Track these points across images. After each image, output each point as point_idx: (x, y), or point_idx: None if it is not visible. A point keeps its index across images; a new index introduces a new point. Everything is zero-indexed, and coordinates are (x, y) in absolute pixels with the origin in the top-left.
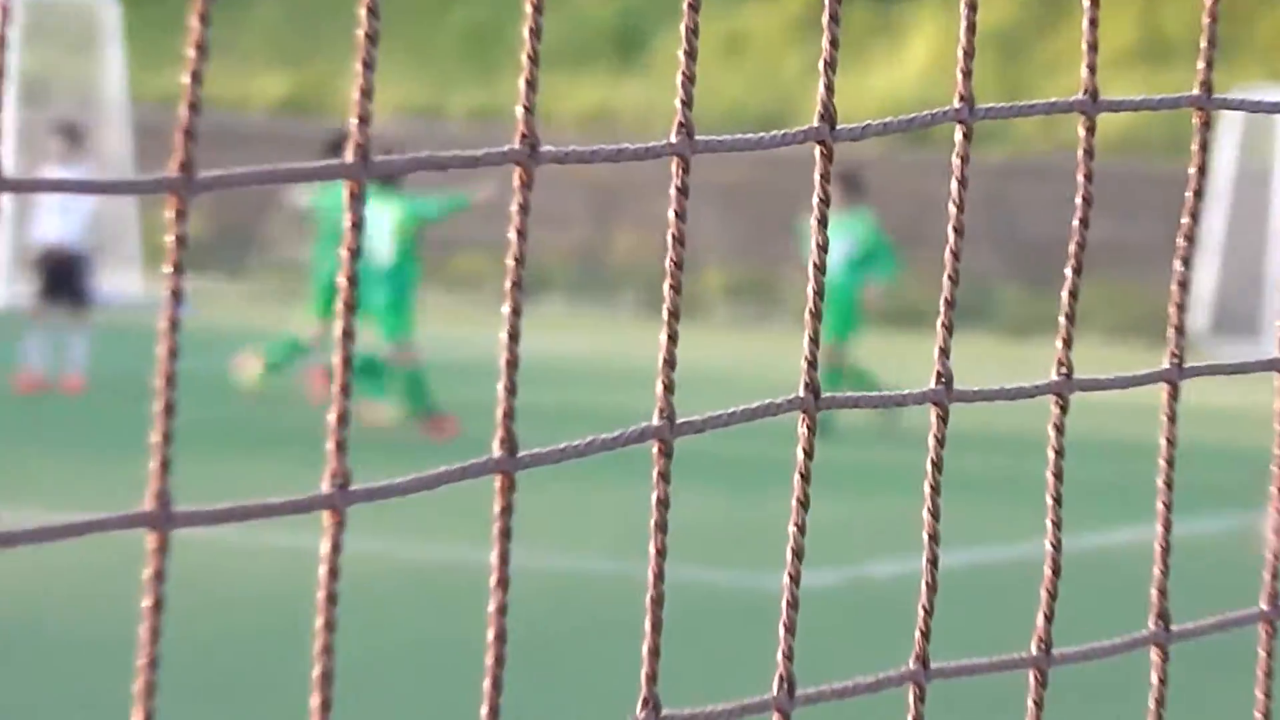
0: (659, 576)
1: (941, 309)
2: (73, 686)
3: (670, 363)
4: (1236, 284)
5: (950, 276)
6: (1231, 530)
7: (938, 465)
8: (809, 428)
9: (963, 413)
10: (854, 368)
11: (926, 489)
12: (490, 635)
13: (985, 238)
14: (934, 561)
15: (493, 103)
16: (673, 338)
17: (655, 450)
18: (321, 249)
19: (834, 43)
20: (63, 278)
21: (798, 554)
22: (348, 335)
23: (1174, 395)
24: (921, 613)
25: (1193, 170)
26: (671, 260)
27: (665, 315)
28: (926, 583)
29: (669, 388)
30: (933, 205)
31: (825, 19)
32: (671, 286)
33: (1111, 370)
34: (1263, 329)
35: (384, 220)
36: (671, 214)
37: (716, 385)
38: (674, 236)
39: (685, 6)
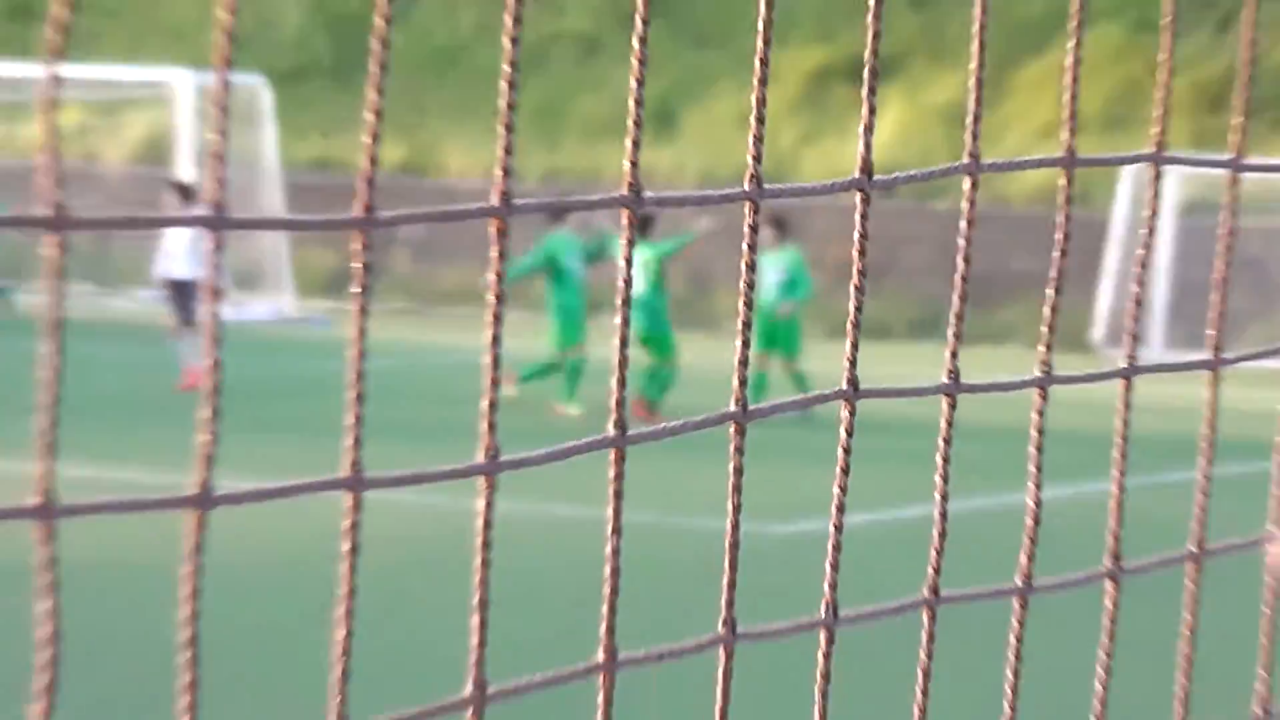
0: (735, 527)
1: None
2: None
3: (744, 363)
4: (1125, 305)
5: (961, 296)
6: (1072, 498)
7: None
8: (850, 413)
9: (925, 405)
10: (798, 373)
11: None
12: (607, 571)
13: (938, 270)
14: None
15: (556, 166)
16: (745, 344)
17: (733, 430)
18: (557, 288)
19: (872, 110)
20: (182, 303)
21: (840, 509)
22: (495, 340)
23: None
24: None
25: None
26: (745, 284)
27: (739, 327)
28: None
29: (743, 383)
30: (898, 243)
31: (865, 91)
32: (745, 304)
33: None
34: (1148, 340)
35: (636, 259)
36: (745, 247)
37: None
38: (747, 265)
39: (755, 81)
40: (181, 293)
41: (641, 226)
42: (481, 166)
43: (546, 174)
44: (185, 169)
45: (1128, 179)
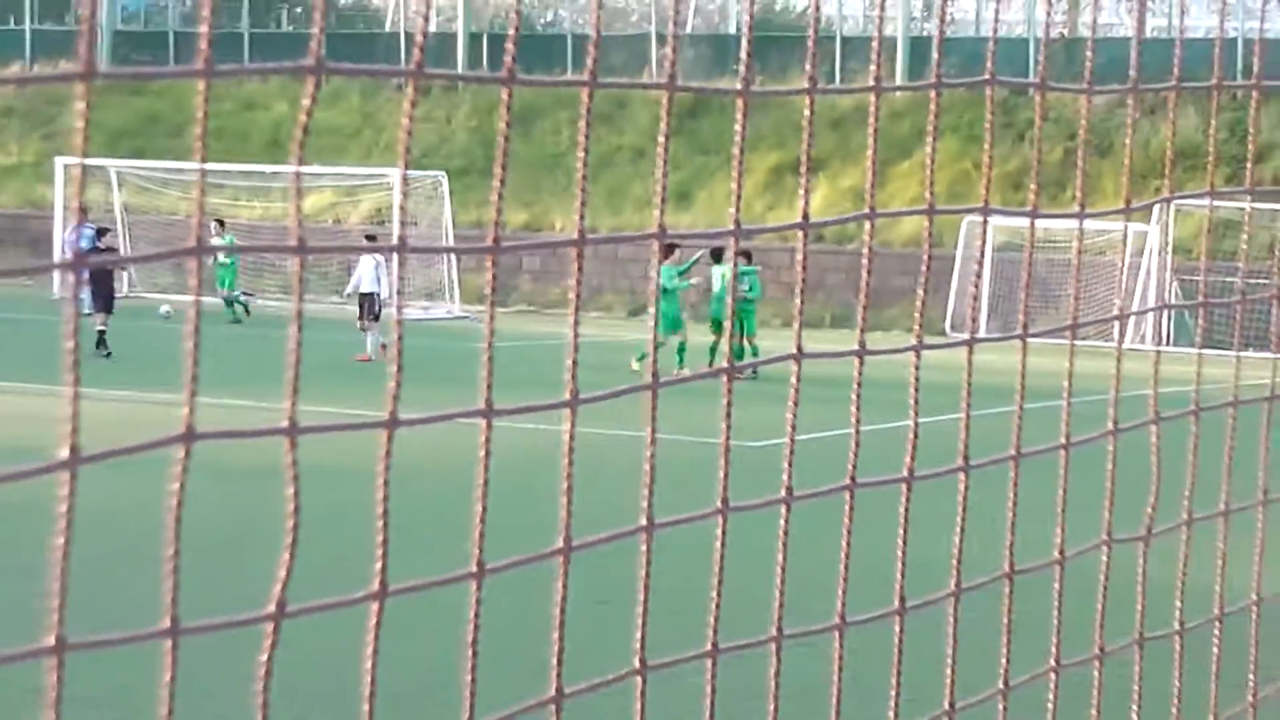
0: (791, 454)
1: (797, 312)
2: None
3: (802, 327)
4: (963, 304)
5: (864, 299)
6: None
7: (798, 392)
8: (798, 368)
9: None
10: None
11: (790, 406)
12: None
13: (849, 285)
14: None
15: (619, 225)
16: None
17: (794, 363)
18: (665, 299)
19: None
20: (369, 308)
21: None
22: (656, 346)
23: (919, 358)
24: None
25: (925, 250)
26: (802, 291)
27: (798, 316)
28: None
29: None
30: (825, 270)
31: (803, 175)
32: (799, 303)
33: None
34: (979, 328)
35: (716, 275)
36: (800, 269)
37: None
38: (803, 284)
39: (733, 177)
40: (368, 300)
41: (716, 255)
42: (572, 225)
43: (612, 230)
44: (396, 227)
45: (963, 229)
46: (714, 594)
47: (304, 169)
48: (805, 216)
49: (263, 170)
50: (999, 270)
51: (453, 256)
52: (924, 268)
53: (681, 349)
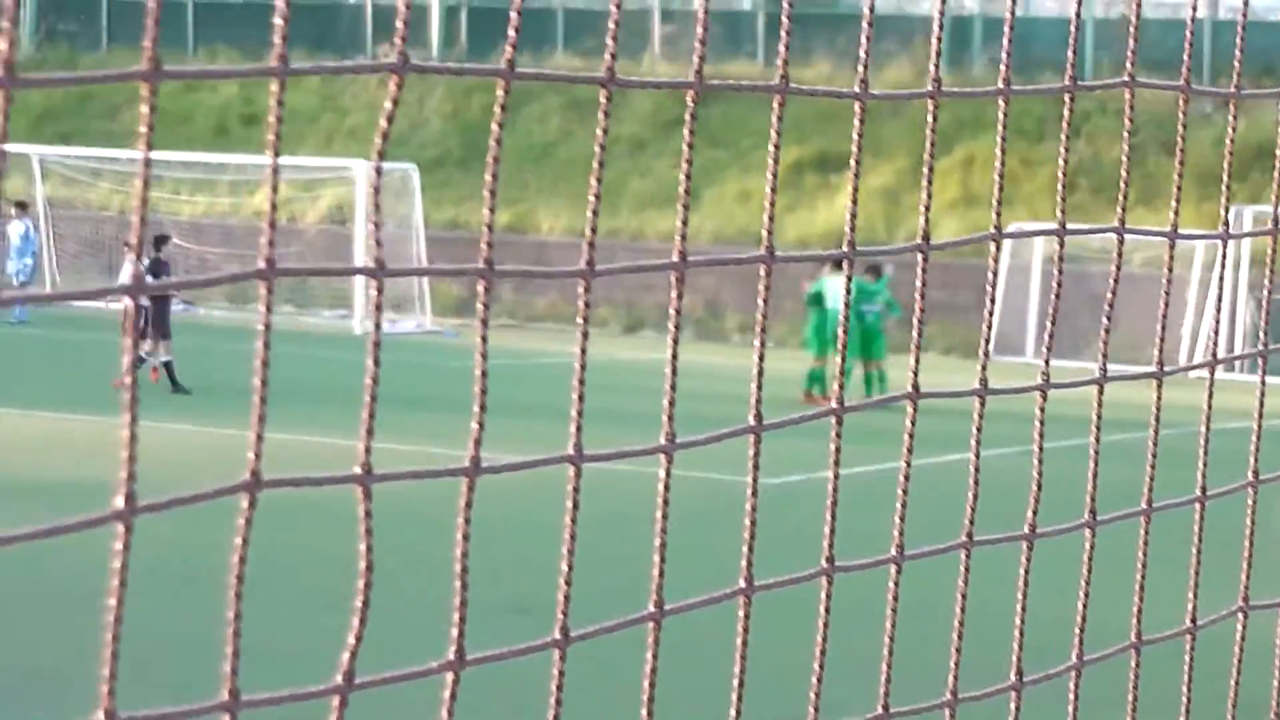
0: (837, 459)
1: (914, 345)
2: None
3: (843, 373)
4: (1009, 323)
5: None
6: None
7: (911, 436)
8: (914, 409)
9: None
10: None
11: (904, 452)
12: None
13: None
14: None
15: (614, 228)
16: (843, 359)
17: (834, 420)
18: (815, 316)
19: (928, 191)
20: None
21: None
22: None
23: (915, 412)
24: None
25: (992, 276)
26: (921, 321)
27: (915, 350)
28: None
29: (841, 386)
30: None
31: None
32: (917, 336)
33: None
34: (1023, 349)
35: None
36: (840, 298)
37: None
38: (921, 311)
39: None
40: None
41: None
42: (562, 227)
43: (607, 234)
44: (360, 227)
45: (1007, 242)
46: (816, 665)
47: (255, 159)
48: (926, 238)
49: (207, 161)
50: (1047, 285)
51: (423, 258)
52: (1055, 293)
53: (819, 376)
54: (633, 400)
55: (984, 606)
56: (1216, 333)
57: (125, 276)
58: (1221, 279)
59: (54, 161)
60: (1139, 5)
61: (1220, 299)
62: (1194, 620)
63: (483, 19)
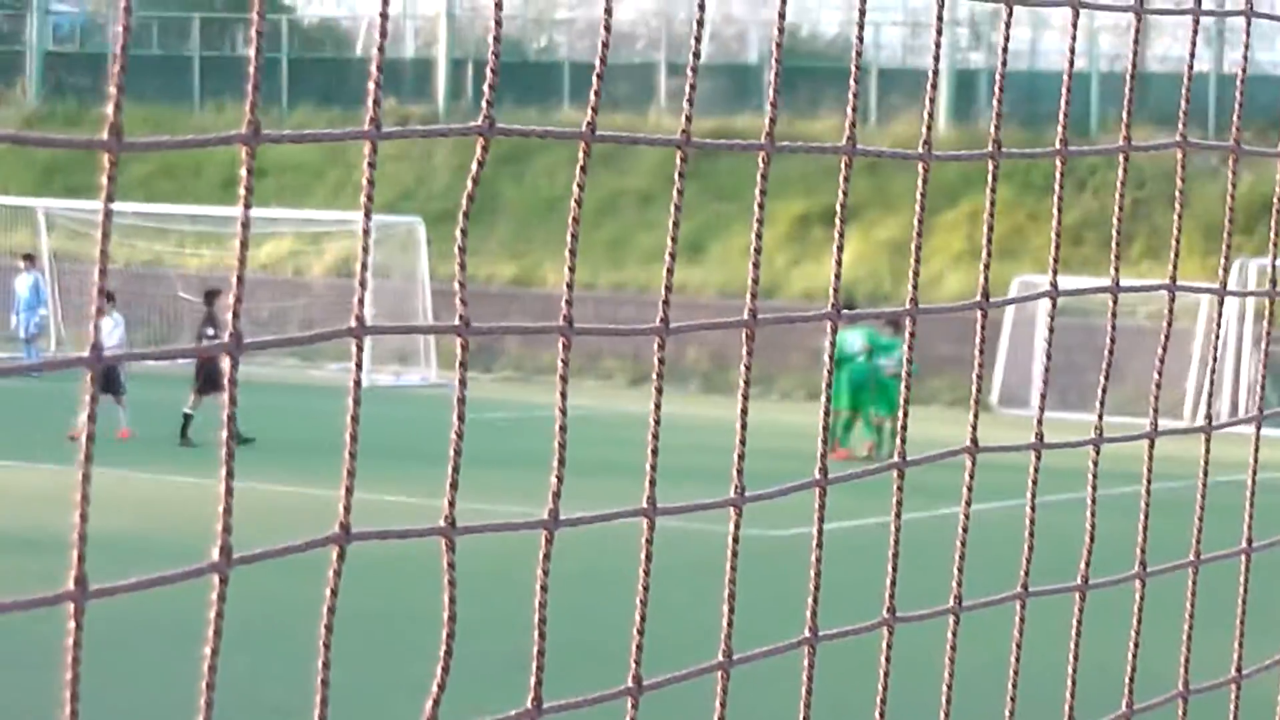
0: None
1: (973, 399)
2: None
3: (904, 428)
4: (1015, 375)
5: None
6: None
7: (970, 493)
8: (973, 463)
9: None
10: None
11: (962, 513)
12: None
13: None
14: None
15: (622, 281)
16: (905, 414)
17: (896, 474)
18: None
19: (917, 256)
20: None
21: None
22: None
23: (974, 464)
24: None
25: (979, 345)
26: (979, 377)
27: (974, 405)
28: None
29: (903, 441)
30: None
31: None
32: (975, 390)
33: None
34: (1029, 402)
35: (860, 340)
36: (977, 350)
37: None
38: (979, 366)
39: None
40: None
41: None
42: (570, 279)
43: (614, 287)
44: (366, 280)
45: (1013, 290)
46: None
47: (263, 213)
48: (985, 295)
49: (214, 214)
50: (1056, 338)
51: (429, 312)
52: (1161, 349)
53: (849, 426)
54: (639, 453)
55: (999, 659)
56: (1263, 386)
57: (106, 330)
58: (1217, 335)
59: (60, 214)
60: (1134, 62)
61: (1217, 353)
62: (1239, 670)
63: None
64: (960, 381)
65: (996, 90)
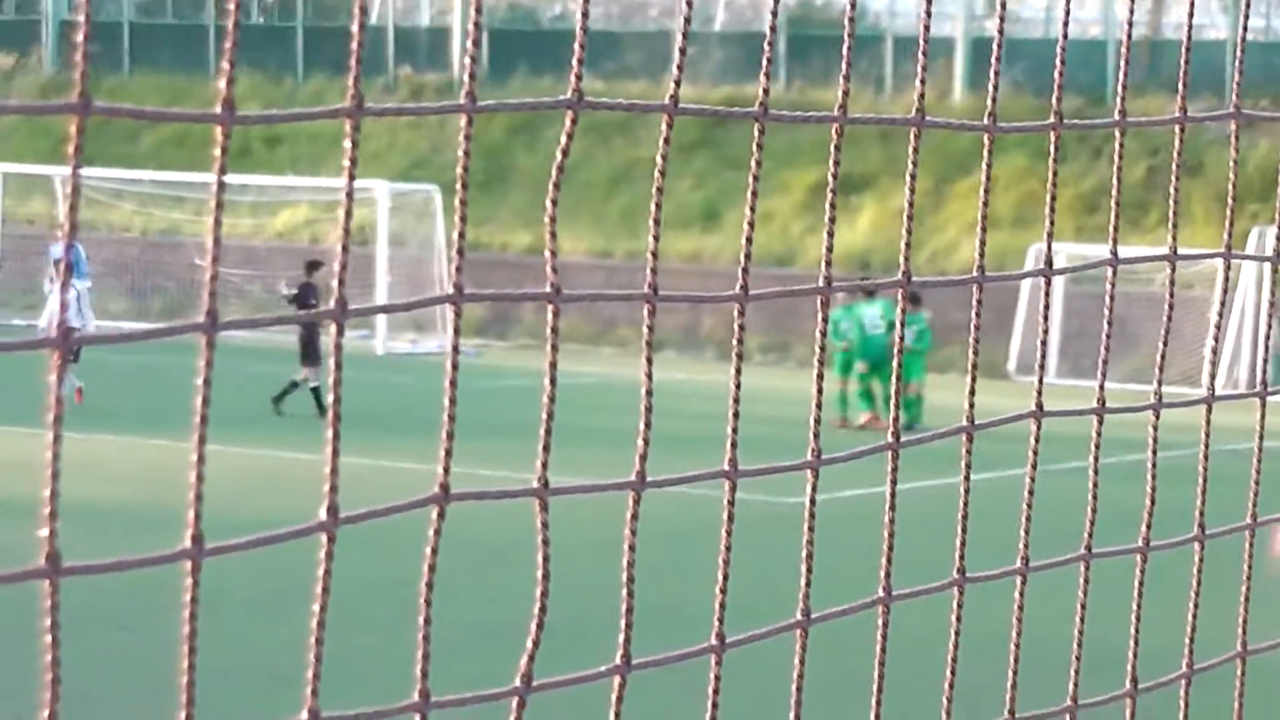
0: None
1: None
2: None
3: (973, 392)
4: (1031, 343)
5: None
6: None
7: (968, 470)
8: (970, 440)
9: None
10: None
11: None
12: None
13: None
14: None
15: (638, 249)
16: (973, 390)
17: (965, 438)
18: (835, 338)
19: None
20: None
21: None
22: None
23: (1039, 429)
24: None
25: (974, 328)
26: (1043, 343)
27: (1039, 370)
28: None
29: (971, 405)
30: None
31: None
32: (1040, 356)
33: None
34: (1046, 370)
35: (878, 312)
36: (1041, 318)
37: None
38: (1044, 334)
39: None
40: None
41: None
42: (584, 249)
43: (629, 255)
44: (381, 248)
45: (1030, 259)
46: (875, 688)
47: (277, 181)
48: (1049, 263)
49: (229, 182)
50: (1070, 306)
51: (444, 280)
52: (1166, 318)
53: (867, 396)
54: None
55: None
56: (1266, 357)
57: (52, 303)
58: (1223, 301)
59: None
60: (1129, 34)
61: (1222, 319)
62: (1244, 646)
63: (504, 42)
64: (969, 350)
65: (994, 62)
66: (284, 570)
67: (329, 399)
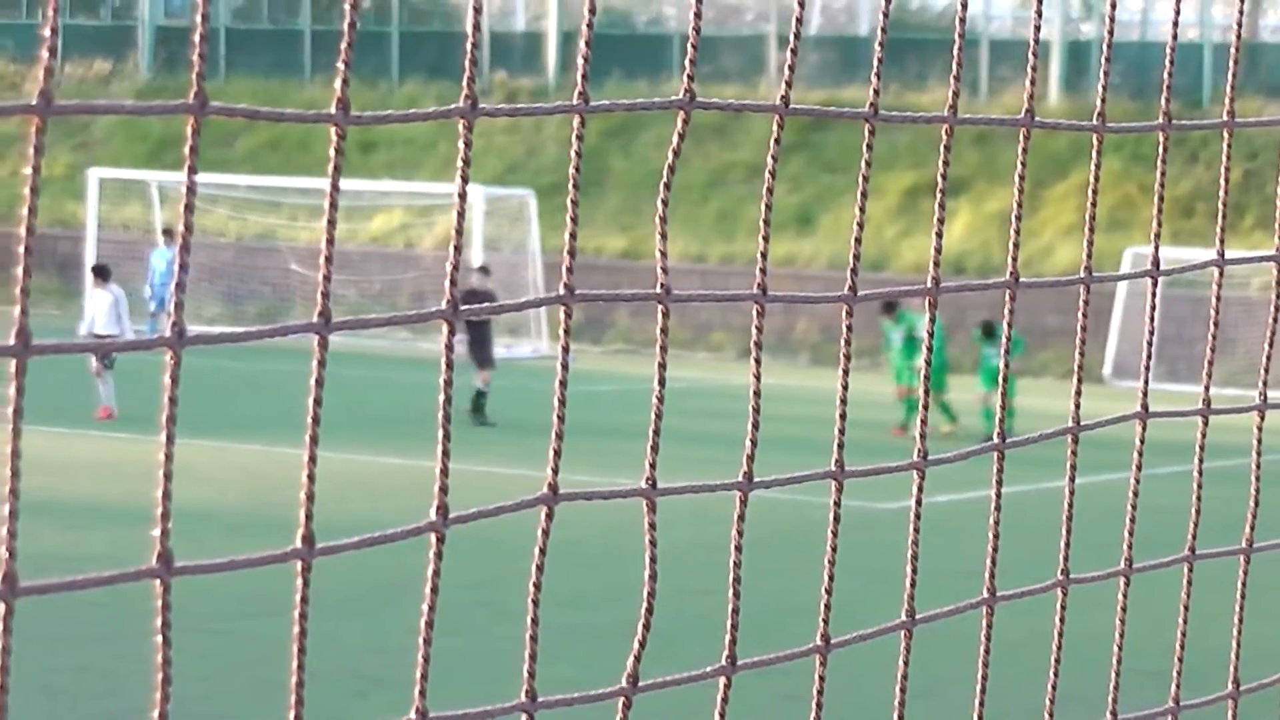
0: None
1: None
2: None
3: (1004, 407)
4: (1127, 347)
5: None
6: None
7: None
8: (1075, 445)
9: None
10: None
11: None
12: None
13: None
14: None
15: (731, 253)
16: (1005, 394)
17: (1138, 424)
18: (900, 348)
19: (940, 221)
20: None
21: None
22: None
23: (1144, 429)
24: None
25: (1080, 324)
26: (1151, 343)
27: (1144, 371)
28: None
29: (1002, 421)
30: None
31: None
32: (1145, 358)
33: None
34: (1140, 374)
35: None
36: (1147, 318)
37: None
38: (1150, 336)
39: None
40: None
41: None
42: (678, 252)
43: (724, 258)
44: (476, 253)
45: (1126, 264)
46: (978, 689)
47: (371, 185)
48: (1155, 264)
49: (324, 188)
50: (1166, 310)
51: (538, 284)
52: (1272, 320)
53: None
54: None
55: (1087, 633)
56: None
57: (98, 305)
58: (1277, 302)
59: (171, 188)
60: (1110, 32)
61: (1277, 321)
62: None
63: (599, 46)
64: (1068, 354)
65: (1103, 62)
66: (370, 573)
67: (480, 404)
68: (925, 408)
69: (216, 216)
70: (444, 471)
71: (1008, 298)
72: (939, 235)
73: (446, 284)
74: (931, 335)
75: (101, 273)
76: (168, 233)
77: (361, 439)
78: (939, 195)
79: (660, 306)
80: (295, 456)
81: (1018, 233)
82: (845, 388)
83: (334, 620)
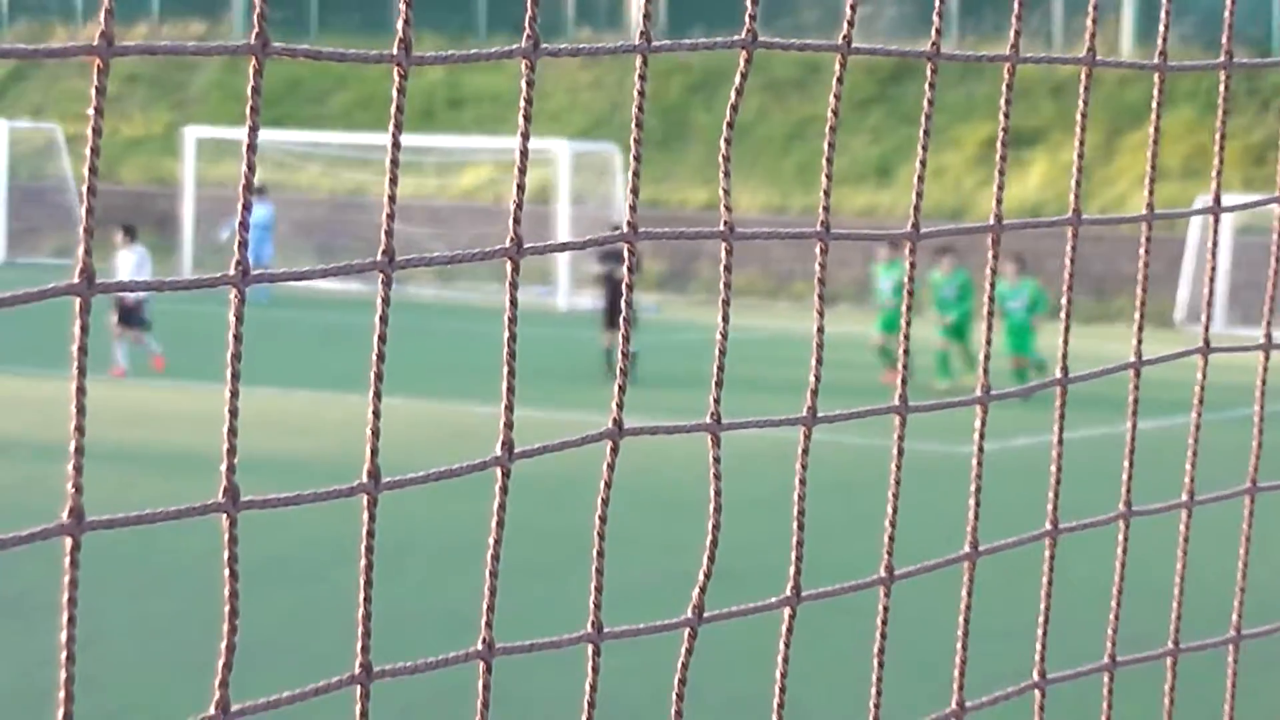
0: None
1: (1063, 323)
2: None
3: (987, 357)
4: (1199, 293)
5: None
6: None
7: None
8: (1062, 391)
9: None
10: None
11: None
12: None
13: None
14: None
15: (812, 204)
16: (989, 343)
17: (977, 409)
18: (885, 296)
19: (1001, 170)
20: (136, 311)
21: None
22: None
23: (1205, 365)
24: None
25: (1141, 265)
26: (1144, 292)
27: (1138, 319)
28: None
29: (986, 372)
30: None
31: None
32: (1140, 305)
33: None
34: (1212, 319)
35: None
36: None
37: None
38: (1143, 283)
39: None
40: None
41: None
42: (760, 205)
43: (804, 210)
44: (562, 207)
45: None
46: (959, 644)
47: (461, 142)
48: (1217, 200)
49: (414, 144)
50: (1239, 256)
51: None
52: (1141, 283)
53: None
54: (826, 373)
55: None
56: None
57: (131, 266)
58: None
59: (265, 145)
60: None
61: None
62: None
63: (680, 1)
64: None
65: (1165, 4)
66: (465, 526)
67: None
68: (906, 352)
69: (310, 173)
70: (509, 407)
71: (1069, 234)
72: (1001, 174)
73: (510, 223)
74: (993, 286)
75: (130, 232)
76: (261, 190)
77: (452, 388)
78: (1001, 134)
79: (725, 245)
80: (387, 405)
81: (1079, 170)
82: (909, 324)
83: (429, 568)
